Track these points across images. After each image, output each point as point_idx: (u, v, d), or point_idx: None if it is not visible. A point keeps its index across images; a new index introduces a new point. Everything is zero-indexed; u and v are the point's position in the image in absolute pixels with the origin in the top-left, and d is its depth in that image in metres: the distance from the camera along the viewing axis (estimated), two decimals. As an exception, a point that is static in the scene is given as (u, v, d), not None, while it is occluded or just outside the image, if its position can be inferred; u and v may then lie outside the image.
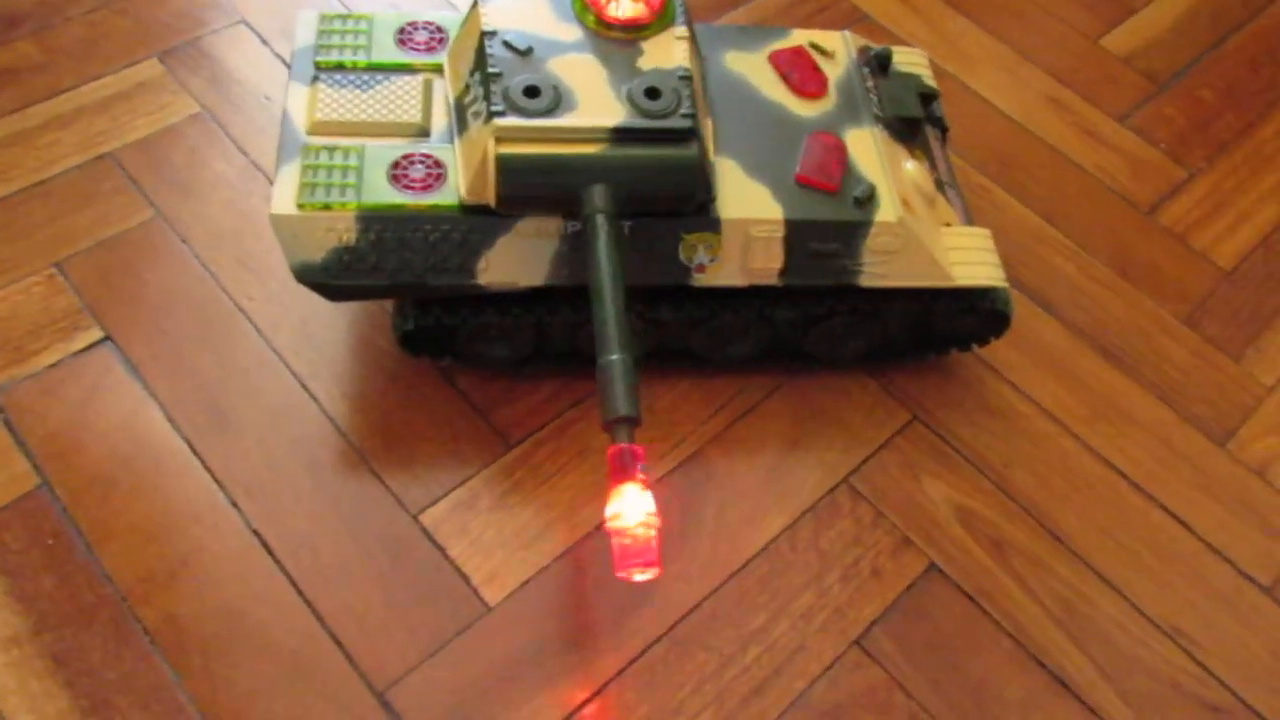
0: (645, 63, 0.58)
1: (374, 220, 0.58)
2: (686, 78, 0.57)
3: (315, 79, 0.62)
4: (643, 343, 0.67)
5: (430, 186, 0.58)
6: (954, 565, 0.65)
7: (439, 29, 0.66)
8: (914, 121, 0.69)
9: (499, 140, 0.55)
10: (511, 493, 0.65)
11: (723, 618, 0.62)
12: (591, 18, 0.59)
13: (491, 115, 0.55)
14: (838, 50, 0.70)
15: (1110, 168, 0.87)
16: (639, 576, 0.54)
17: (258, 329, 0.69)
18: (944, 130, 0.73)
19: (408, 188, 0.58)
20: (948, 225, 0.66)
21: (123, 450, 0.64)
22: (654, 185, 0.57)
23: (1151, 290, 0.80)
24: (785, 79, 0.67)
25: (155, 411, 0.65)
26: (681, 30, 0.60)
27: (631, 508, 0.52)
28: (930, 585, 0.64)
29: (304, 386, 0.67)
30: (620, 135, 0.56)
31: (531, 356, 0.67)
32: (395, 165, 0.59)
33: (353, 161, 0.59)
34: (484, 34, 0.59)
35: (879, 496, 0.67)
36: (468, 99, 0.59)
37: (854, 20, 0.95)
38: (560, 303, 0.63)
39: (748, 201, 0.61)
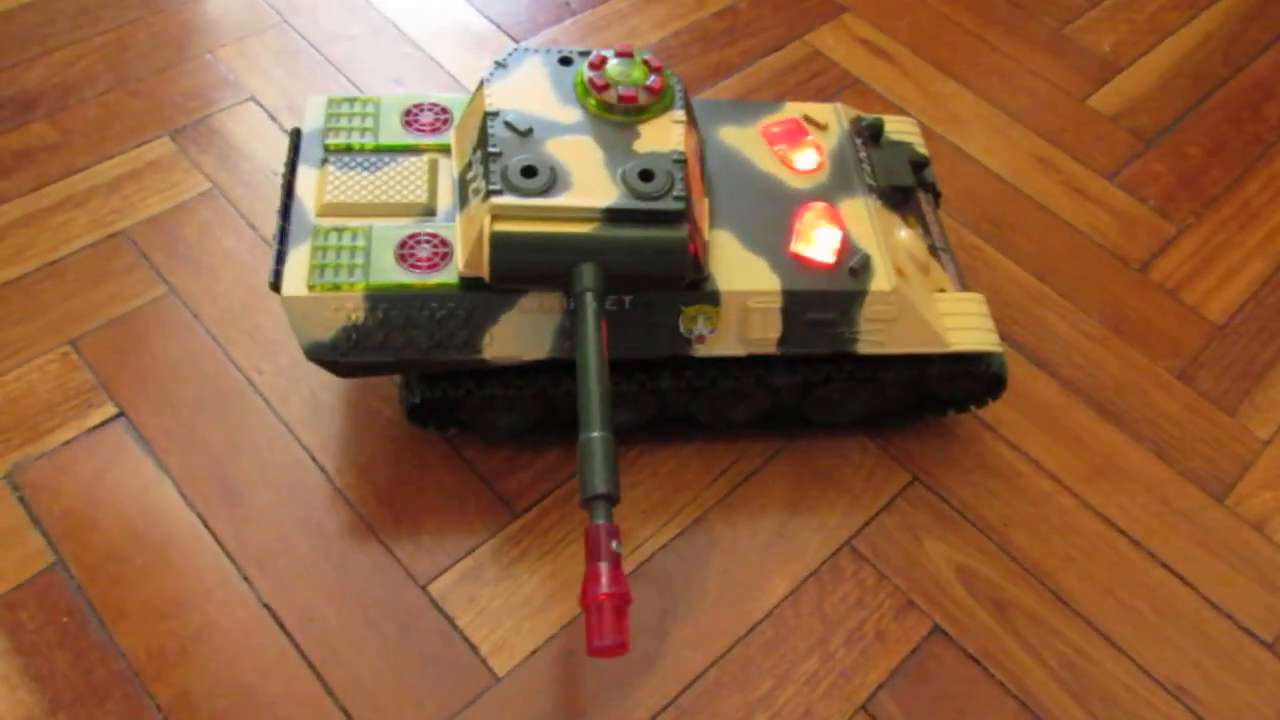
0: (641, 145, 0.60)
1: (381, 299, 0.59)
2: (680, 161, 0.59)
3: (324, 161, 0.64)
4: (644, 411, 0.68)
5: (436, 265, 0.60)
6: (957, 627, 0.66)
7: (443, 110, 0.68)
8: (907, 190, 0.71)
9: (495, 218, 0.57)
10: (518, 561, 0.66)
11: (728, 684, 0.62)
12: (593, 101, 0.62)
13: (489, 194, 0.57)
14: (830, 122, 0.72)
15: (1100, 225, 0.89)
16: (608, 655, 0.52)
17: (268, 402, 0.71)
18: (937, 195, 0.75)
19: (414, 267, 0.60)
20: (941, 291, 0.68)
21: (136, 526, 0.65)
22: (644, 264, 0.58)
23: (1145, 346, 0.81)
24: (778, 152, 0.69)
25: (168, 487, 0.67)
26: (679, 114, 0.62)
27: (606, 586, 0.52)
28: (934, 648, 0.65)
29: (313, 459, 0.69)
30: (612, 216, 0.57)
31: (535, 425, 0.69)
32: (402, 245, 0.61)
33: (361, 242, 0.61)
34: (487, 114, 0.61)
35: (881, 559, 0.68)
36: (469, 175, 0.61)
37: (846, 84, 0.98)
38: (564, 373, 0.64)
39: (745, 274, 0.62)
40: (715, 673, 0.62)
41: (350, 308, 0.59)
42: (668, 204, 0.58)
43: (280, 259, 0.60)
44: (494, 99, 0.62)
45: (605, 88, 0.62)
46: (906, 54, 1.01)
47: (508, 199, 0.57)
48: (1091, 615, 0.67)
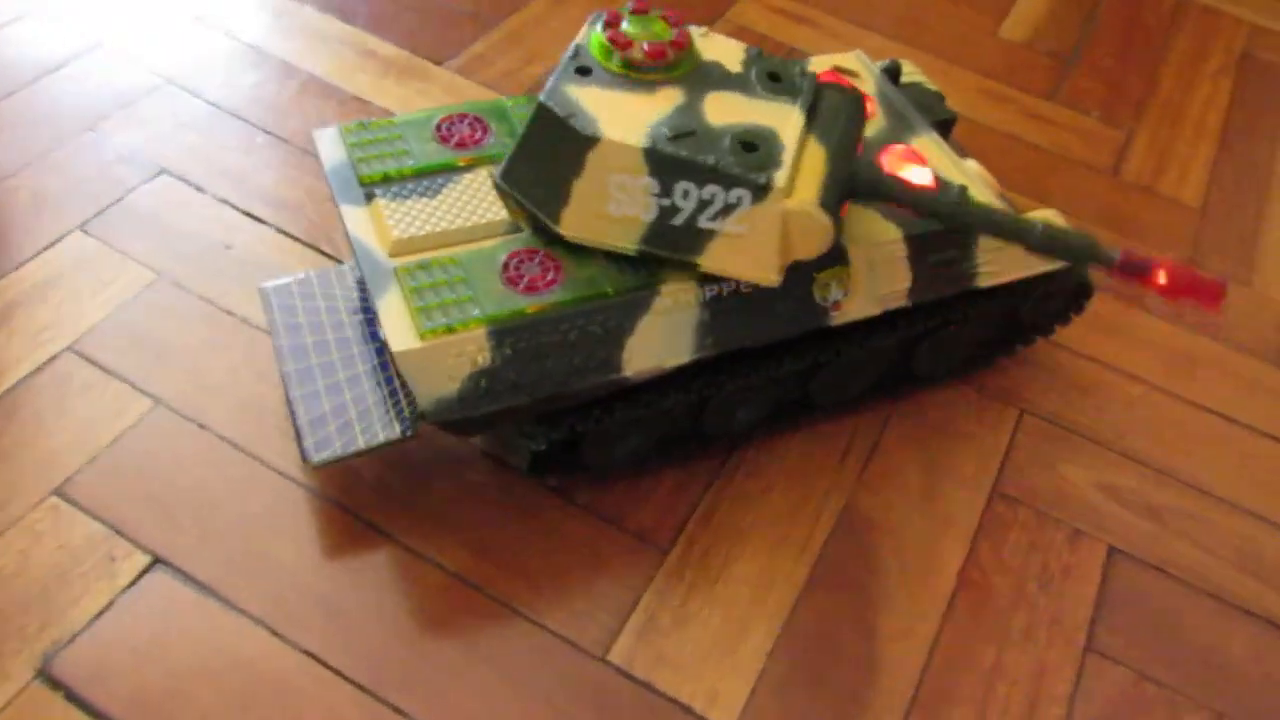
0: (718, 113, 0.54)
1: (506, 332, 0.50)
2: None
3: (371, 196, 0.54)
4: (766, 404, 0.62)
5: (554, 281, 0.52)
6: (1128, 542, 0.64)
7: (477, 119, 0.59)
8: (948, 122, 0.69)
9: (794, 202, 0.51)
10: (689, 599, 0.57)
11: (956, 665, 0.57)
12: (616, 61, 0.54)
13: (761, 188, 0.50)
14: (859, 69, 0.69)
15: (1063, 141, 0.91)
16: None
17: (324, 496, 0.59)
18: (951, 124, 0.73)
19: (530, 289, 0.51)
20: None
21: (231, 684, 0.52)
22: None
23: (1147, 241, 0.83)
24: None
25: (250, 626, 0.54)
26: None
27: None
28: (1119, 568, 0.62)
29: (407, 548, 0.58)
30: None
31: (655, 447, 0.61)
32: (505, 268, 0.52)
33: (458, 274, 0.51)
34: (651, 147, 0.50)
35: (1031, 497, 0.65)
36: (673, 209, 0.52)
37: (781, 52, 0.95)
38: (690, 378, 0.57)
39: (863, 227, 0.58)
40: (938, 658, 0.57)
41: (474, 350, 0.50)
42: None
43: (299, 432, 0.54)
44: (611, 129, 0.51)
45: (629, 45, 0.54)
46: (823, 15, 1.00)
47: (788, 183, 0.50)
48: (1233, 498, 0.67)
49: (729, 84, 0.54)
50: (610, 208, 0.51)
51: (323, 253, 0.72)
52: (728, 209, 0.50)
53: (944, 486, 0.65)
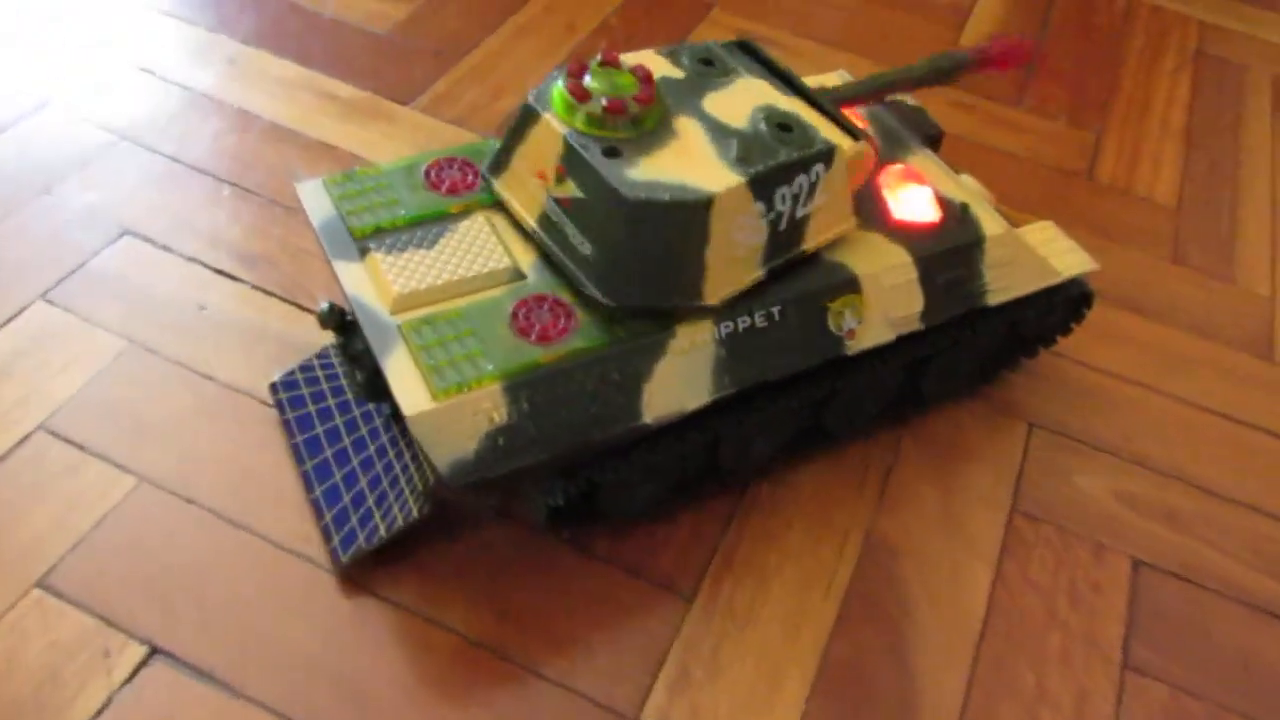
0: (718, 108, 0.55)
1: (522, 385, 0.48)
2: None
3: (366, 250, 0.52)
4: (781, 435, 0.60)
5: (567, 329, 0.49)
6: (1150, 552, 0.63)
7: (465, 162, 0.57)
8: (937, 137, 0.68)
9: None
10: (720, 648, 0.55)
11: (997, 693, 0.55)
12: (580, 117, 0.51)
13: (830, 153, 0.53)
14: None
15: (1035, 147, 0.91)
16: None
17: (326, 568, 0.56)
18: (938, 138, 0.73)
19: (543, 339, 0.49)
20: None
21: (248, 781, 0.48)
22: None
23: (1132, 242, 0.84)
24: None
25: (258, 714, 0.50)
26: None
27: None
28: (1145, 580, 0.62)
29: (423, 615, 0.55)
30: None
31: (671, 490, 0.59)
32: (514, 318, 0.50)
33: (466, 328, 0.49)
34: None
35: (1050, 512, 0.64)
36: (778, 217, 0.53)
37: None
38: (705, 416, 0.55)
39: (872, 252, 0.57)
40: (978, 690, 0.56)
41: (489, 406, 0.47)
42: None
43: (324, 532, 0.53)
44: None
45: (586, 98, 0.51)
46: (786, 35, 1.00)
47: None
48: (1242, 497, 0.66)
49: (695, 89, 0.55)
50: (738, 253, 0.51)
51: (302, 307, 0.69)
52: (812, 189, 0.52)
53: (963, 507, 0.64)
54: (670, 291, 0.50)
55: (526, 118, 0.52)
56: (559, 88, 0.52)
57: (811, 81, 0.68)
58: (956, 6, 1.06)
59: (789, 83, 0.57)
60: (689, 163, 0.50)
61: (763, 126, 0.52)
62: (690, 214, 0.48)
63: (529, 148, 0.52)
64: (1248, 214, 0.88)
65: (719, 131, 0.52)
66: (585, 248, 0.50)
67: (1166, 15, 1.10)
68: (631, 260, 0.49)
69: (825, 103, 0.56)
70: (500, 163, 0.55)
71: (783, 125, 0.53)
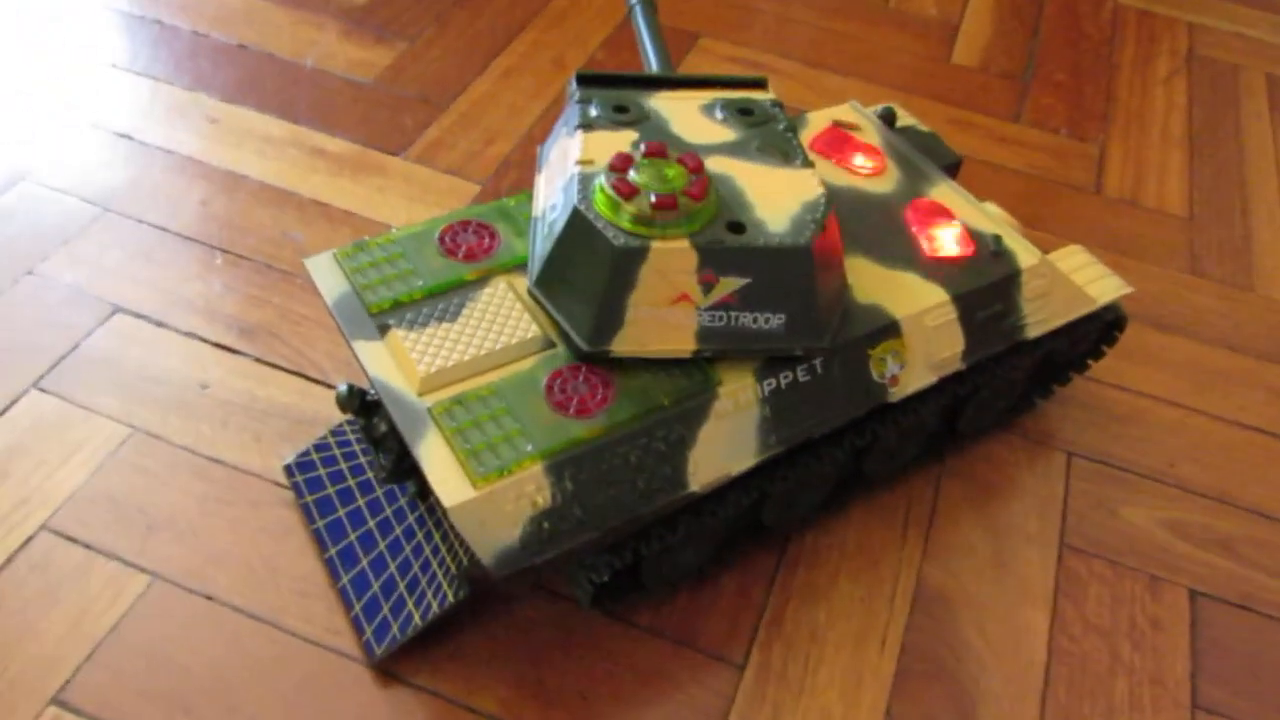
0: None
1: (565, 464, 0.45)
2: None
3: (386, 327, 0.49)
4: (824, 487, 0.58)
5: (606, 400, 0.47)
6: (1207, 583, 0.61)
7: (482, 224, 0.54)
8: (955, 166, 0.66)
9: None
10: (779, 716, 0.53)
11: (1069, 746, 0.53)
12: (627, 216, 0.47)
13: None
14: (858, 120, 0.66)
15: (1039, 163, 0.90)
16: None
17: (363, 660, 0.53)
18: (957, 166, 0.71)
19: (581, 412, 0.46)
20: None
21: None
22: None
23: (1147, 256, 0.82)
24: (839, 163, 0.62)
25: (303, 831, 0.47)
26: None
27: None
28: (1205, 612, 0.60)
29: (464, 705, 0.52)
30: None
31: (715, 553, 0.56)
32: (550, 391, 0.47)
33: (499, 406, 0.46)
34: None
35: (1100, 546, 0.62)
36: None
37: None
38: (750, 476, 0.53)
39: (909, 293, 0.54)
40: (1049, 740, 0.53)
41: (533, 490, 0.44)
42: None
43: (356, 624, 0.51)
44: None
45: (634, 193, 0.47)
46: (776, 59, 0.98)
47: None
48: (1295, 517, 0.65)
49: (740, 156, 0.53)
50: None
51: (309, 378, 0.66)
52: None
53: (1010, 547, 0.61)
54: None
55: (628, 259, 0.46)
56: (601, 184, 0.48)
57: (822, 114, 0.66)
58: (946, 24, 1.05)
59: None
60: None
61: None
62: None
63: (647, 287, 0.47)
64: (1259, 219, 0.87)
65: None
66: (774, 320, 0.48)
67: (1155, 19, 1.09)
68: (822, 299, 0.49)
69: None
70: (608, 325, 0.47)
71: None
